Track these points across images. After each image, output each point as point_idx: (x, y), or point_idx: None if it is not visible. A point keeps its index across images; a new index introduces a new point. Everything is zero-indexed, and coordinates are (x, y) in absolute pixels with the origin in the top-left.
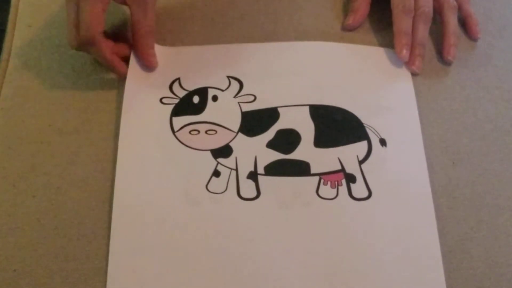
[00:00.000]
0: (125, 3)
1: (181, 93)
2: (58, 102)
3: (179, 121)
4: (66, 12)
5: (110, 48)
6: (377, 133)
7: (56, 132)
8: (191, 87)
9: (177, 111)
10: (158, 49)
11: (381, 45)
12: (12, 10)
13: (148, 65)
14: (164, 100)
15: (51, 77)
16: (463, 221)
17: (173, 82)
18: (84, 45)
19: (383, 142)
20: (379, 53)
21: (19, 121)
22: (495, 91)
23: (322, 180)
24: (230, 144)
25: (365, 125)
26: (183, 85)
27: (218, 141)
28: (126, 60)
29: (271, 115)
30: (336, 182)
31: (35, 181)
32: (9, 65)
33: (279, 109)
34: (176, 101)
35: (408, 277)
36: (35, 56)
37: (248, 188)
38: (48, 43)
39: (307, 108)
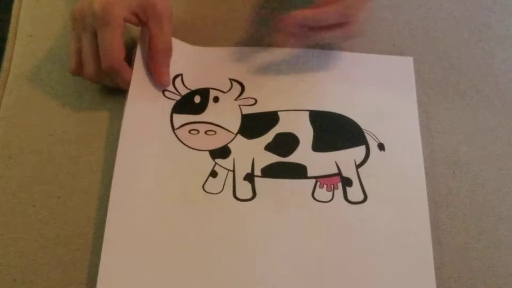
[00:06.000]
0: (139, 24)
1: (183, 91)
2: (59, 112)
3: (179, 118)
4: (72, 44)
5: (131, 71)
6: (376, 138)
7: (57, 142)
8: (193, 87)
9: (178, 108)
10: None
11: (383, 53)
12: (13, 20)
13: (159, 83)
14: (166, 94)
15: (52, 86)
16: (463, 231)
17: (175, 76)
18: (108, 74)
19: (381, 147)
20: (381, 61)
21: (20, 130)
22: (495, 100)
23: (318, 183)
24: (229, 145)
25: (364, 130)
26: (185, 83)
27: (216, 142)
28: None
29: (270, 118)
30: (332, 185)
31: (36, 191)
32: (10, 75)
33: (279, 113)
34: (178, 97)
35: (400, 282)
36: (36, 66)
37: (244, 189)
38: (49, 53)
39: (307, 113)
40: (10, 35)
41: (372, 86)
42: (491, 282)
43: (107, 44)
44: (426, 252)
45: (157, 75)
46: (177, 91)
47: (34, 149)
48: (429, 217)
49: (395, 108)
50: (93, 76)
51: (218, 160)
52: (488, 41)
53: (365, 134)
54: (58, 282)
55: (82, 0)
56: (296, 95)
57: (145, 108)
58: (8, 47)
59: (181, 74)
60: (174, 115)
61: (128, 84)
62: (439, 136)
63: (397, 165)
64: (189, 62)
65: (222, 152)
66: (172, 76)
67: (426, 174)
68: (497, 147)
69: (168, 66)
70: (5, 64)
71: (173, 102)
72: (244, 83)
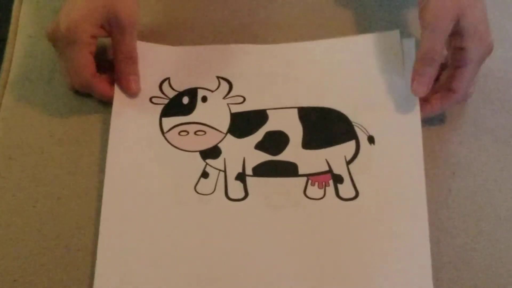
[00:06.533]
0: (109, 36)
1: (171, 94)
2: (59, 113)
3: (168, 122)
4: (59, 63)
5: (108, 82)
6: (366, 130)
7: (57, 142)
8: (181, 88)
9: (167, 111)
10: (148, 47)
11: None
12: (13, 20)
13: (127, 91)
14: (153, 100)
15: (52, 87)
16: (463, 231)
17: (163, 81)
18: (80, 89)
19: (371, 140)
20: (366, 41)
21: (20, 131)
22: (495, 102)
23: (309, 181)
24: (219, 145)
25: (353, 123)
26: (172, 85)
27: (207, 142)
28: None
29: (260, 117)
30: (323, 183)
31: (36, 191)
32: (10, 76)
33: (268, 111)
34: (166, 101)
35: (395, 279)
36: (36, 67)
37: (236, 189)
38: (49, 53)
39: (296, 110)
40: (10, 36)
41: (360, 72)
42: (490, 282)
43: (74, 63)
44: (423, 250)
45: (123, 84)
46: (165, 95)
47: (34, 149)
48: (427, 211)
49: (386, 93)
50: (71, 89)
51: (209, 161)
52: None
53: (355, 127)
54: (59, 282)
55: (53, 20)
56: (283, 91)
57: (132, 116)
58: (8, 47)
59: (168, 78)
60: (163, 119)
61: (105, 97)
62: (439, 137)
63: (390, 157)
64: (176, 64)
65: (212, 152)
66: (159, 81)
67: (426, 174)
68: (497, 148)
69: (134, 74)
70: (5, 64)
71: (161, 107)
72: (231, 80)
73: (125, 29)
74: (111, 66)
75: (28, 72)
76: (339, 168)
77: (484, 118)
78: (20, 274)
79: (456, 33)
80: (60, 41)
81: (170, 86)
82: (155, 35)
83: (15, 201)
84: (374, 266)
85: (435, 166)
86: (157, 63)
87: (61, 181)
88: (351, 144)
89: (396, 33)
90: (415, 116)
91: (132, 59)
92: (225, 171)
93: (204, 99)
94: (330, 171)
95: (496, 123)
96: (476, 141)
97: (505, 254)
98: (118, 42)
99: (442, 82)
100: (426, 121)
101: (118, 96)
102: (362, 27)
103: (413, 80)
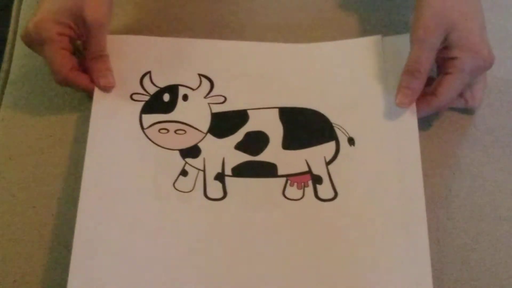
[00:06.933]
0: (79, 37)
1: (152, 90)
2: (59, 113)
3: (149, 118)
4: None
5: (85, 77)
6: (346, 132)
7: (57, 143)
8: (162, 84)
9: (147, 108)
10: (128, 39)
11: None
12: (12, 20)
13: (100, 87)
14: (134, 97)
15: (52, 87)
16: (463, 232)
17: (144, 75)
18: (62, 85)
19: (351, 141)
20: (349, 46)
21: (20, 131)
22: (496, 102)
23: (288, 181)
24: (199, 144)
25: (334, 124)
26: (154, 80)
27: (186, 141)
28: None
29: (240, 117)
30: (302, 183)
31: (36, 192)
32: (9, 76)
33: (249, 112)
34: (147, 98)
35: (394, 280)
36: (36, 67)
37: (214, 189)
38: None
39: (277, 110)
40: (10, 36)
41: (342, 75)
42: (490, 283)
43: (49, 61)
44: (422, 250)
45: (95, 81)
46: (146, 91)
47: (34, 150)
48: (425, 211)
49: (367, 95)
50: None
51: (189, 160)
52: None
53: (335, 128)
54: (58, 283)
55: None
56: (265, 92)
57: (112, 112)
58: (8, 47)
59: (150, 72)
60: (143, 116)
61: (87, 90)
62: (439, 137)
63: (373, 159)
64: (157, 56)
65: (192, 152)
66: (139, 75)
67: (426, 175)
68: (497, 148)
69: (106, 70)
70: (4, 64)
71: (142, 104)
72: (213, 79)
73: (92, 30)
74: None
75: (28, 72)
76: (319, 169)
77: (484, 118)
78: (20, 274)
79: (447, 47)
80: (31, 42)
81: (151, 81)
82: (150, 34)
83: (15, 202)
84: (362, 268)
85: (435, 166)
86: (138, 55)
87: (60, 182)
88: (331, 145)
89: (378, 38)
90: (409, 117)
91: (102, 57)
92: (204, 171)
93: (185, 97)
94: (309, 171)
95: (496, 123)
96: (476, 141)
97: (505, 254)
98: (86, 42)
99: (431, 88)
100: (426, 122)
101: (98, 91)
102: (361, 30)
103: (398, 91)
